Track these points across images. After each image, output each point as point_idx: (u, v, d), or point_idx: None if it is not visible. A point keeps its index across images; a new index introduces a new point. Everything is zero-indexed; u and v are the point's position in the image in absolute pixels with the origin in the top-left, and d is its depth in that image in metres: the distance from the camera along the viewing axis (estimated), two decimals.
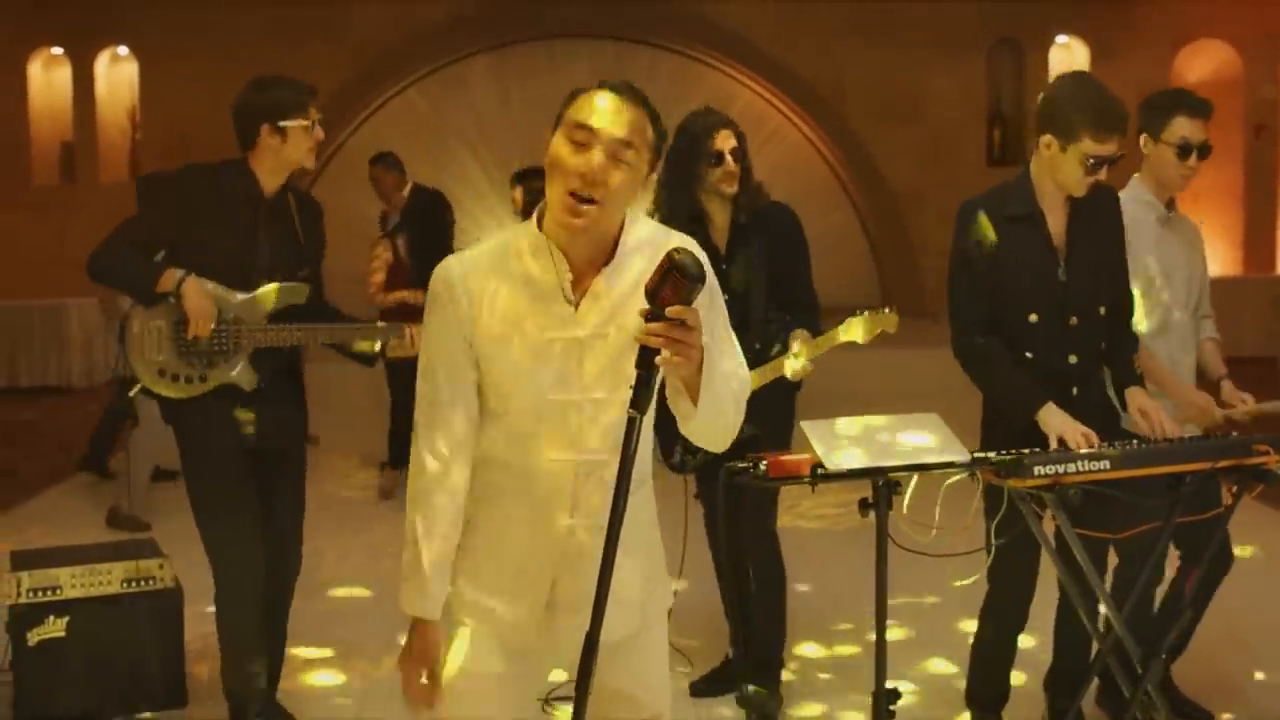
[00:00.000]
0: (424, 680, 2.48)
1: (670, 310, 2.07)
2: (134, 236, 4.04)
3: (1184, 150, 3.97)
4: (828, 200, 13.48)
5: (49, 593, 4.28)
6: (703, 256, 2.25)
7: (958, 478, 3.26)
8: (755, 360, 4.01)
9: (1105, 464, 3.29)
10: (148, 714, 4.35)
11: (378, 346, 4.06)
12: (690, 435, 2.41)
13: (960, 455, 3.24)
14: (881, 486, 3.14)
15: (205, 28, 13.19)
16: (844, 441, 3.17)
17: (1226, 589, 4.15)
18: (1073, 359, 3.69)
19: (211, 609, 4.09)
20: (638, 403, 2.08)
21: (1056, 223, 3.70)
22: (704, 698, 4.50)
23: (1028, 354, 3.68)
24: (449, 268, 2.41)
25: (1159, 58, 13.58)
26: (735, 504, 3.87)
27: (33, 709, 4.24)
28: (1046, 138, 3.60)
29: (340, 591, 5.77)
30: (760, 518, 4.30)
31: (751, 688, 4.31)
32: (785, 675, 4.49)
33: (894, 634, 4.77)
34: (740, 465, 3.15)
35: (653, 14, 13.50)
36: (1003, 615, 3.91)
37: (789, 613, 4.44)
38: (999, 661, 3.98)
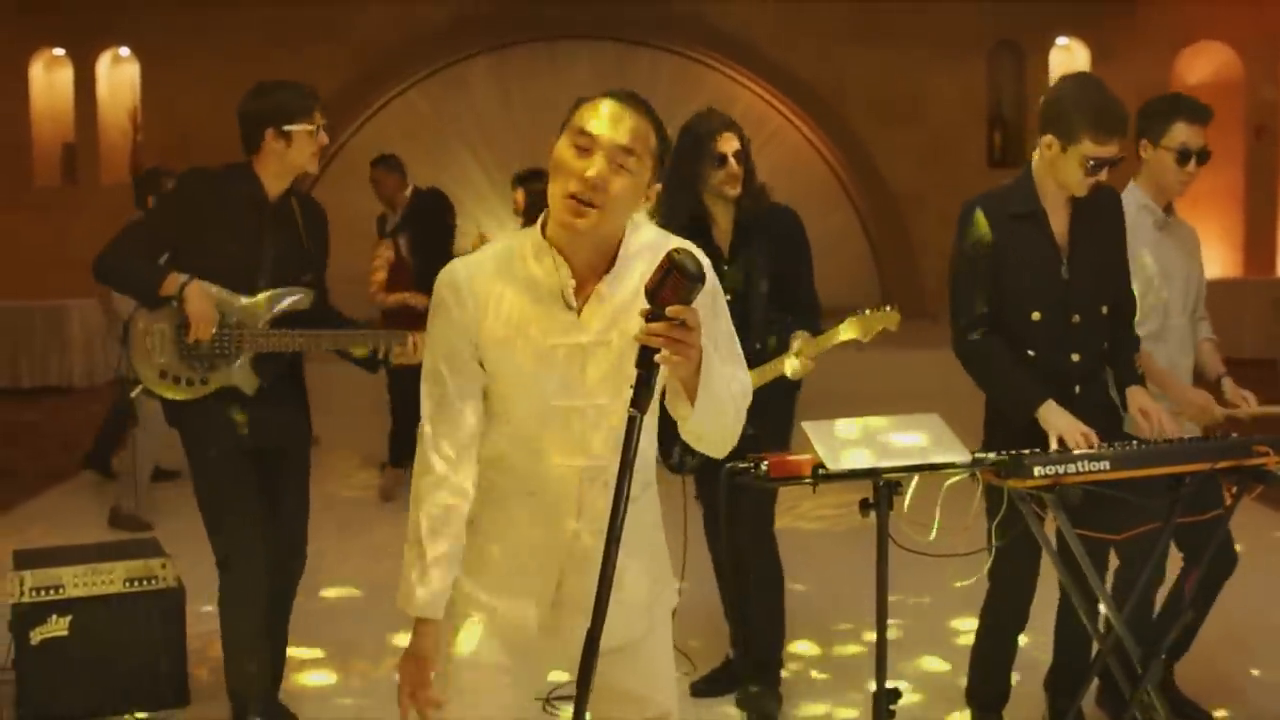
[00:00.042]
0: (424, 682, 2.47)
1: (670, 310, 2.09)
2: (139, 239, 4.07)
3: (1183, 156, 3.98)
4: (828, 201, 13.49)
5: (52, 592, 4.29)
6: (704, 259, 2.26)
7: (958, 478, 3.27)
8: (755, 361, 4.02)
9: (1105, 464, 3.30)
10: (150, 713, 4.35)
11: (381, 353, 4.06)
12: (689, 438, 2.42)
13: (960, 456, 3.25)
14: (882, 487, 3.15)
15: (207, 29, 13.21)
16: (845, 442, 3.18)
17: (1226, 590, 4.16)
18: (1075, 357, 3.70)
19: (213, 608, 4.10)
20: (638, 402, 2.09)
21: (1059, 222, 3.71)
22: (705, 698, 4.51)
23: (1030, 352, 3.69)
24: (454, 271, 2.42)
25: (1159, 60, 13.60)
26: (734, 504, 3.88)
27: (35, 708, 4.25)
28: (1047, 138, 3.61)
29: (341, 592, 5.78)
30: (759, 519, 4.31)
31: (752, 688, 4.32)
32: (785, 675, 4.49)
33: (891, 633, 4.77)
34: (741, 465, 3.16)
35: (654, 15, 13.52)
36: (1003, 615, 3.92)
37: (788, 613, 4.45)
38: (999, 661, 3.99)
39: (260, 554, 4.01)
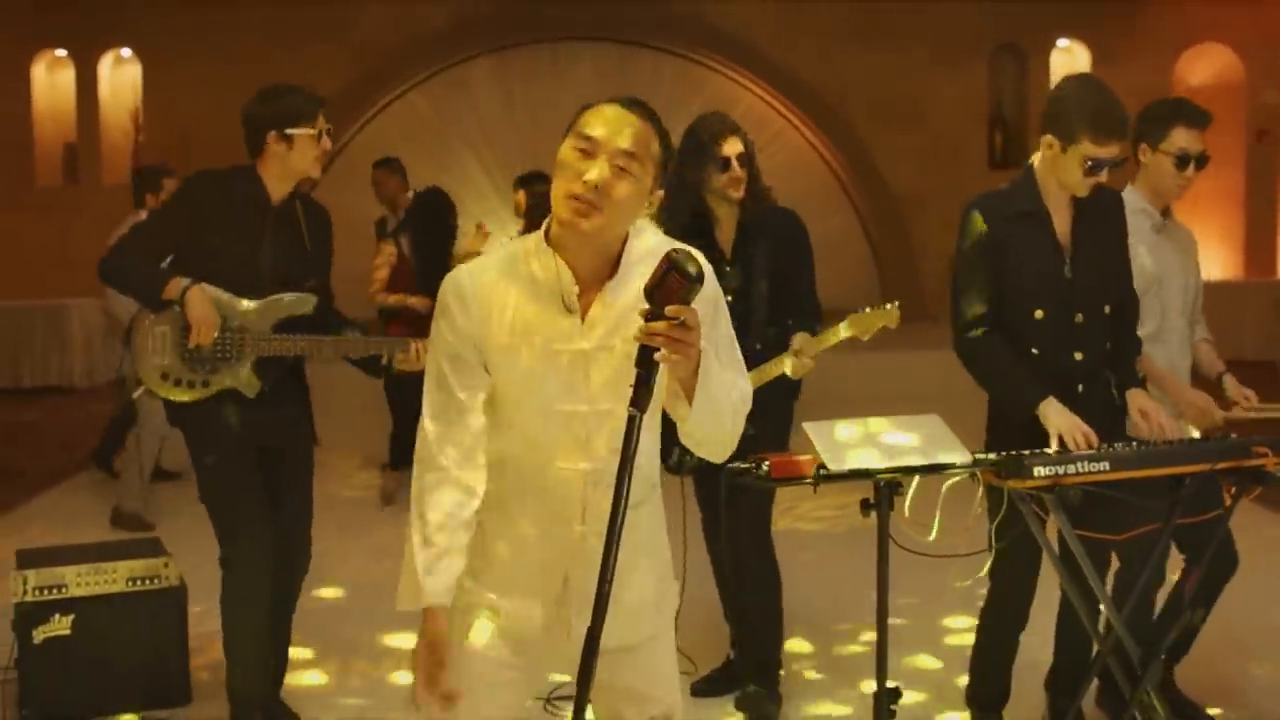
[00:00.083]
0: (440, 664, 2.41)
1: (669, 309, 2.10)
2: (143, 242, 4.10)
3: (1182, 161, 4.00)
4: (829, 203, 13.50)
5: (54, 591, 4.30)
6: (704, 262, 2.28)
7: (958, 479, 3.28)
8: (755, 361, 4.04)
9: (1105, 465, 3.31)
10: (152, 712, 4.36)
11: (385, 359, 4.06)
12: (688, 441, 2.43)
13: (961, 456, 3.27)
14: (883, 487, 3.16)
15: (208, 30, 13.22)
16: (846, 442, 3.20)
17: (1226, 591, 4.17)
18: (1078, 356, 3.72)
19: (215, 607, 4.11)
20: (637, 401, 2.10)
21: (1062, 221, 3.73)
22: (705, 698, 4.52)
23: (1034, 350, 3.70)
24: (458, 277, 2.43)
25: (1161, 62, 13.61)
26: (733, 505, 3.89)
27: (38, 706, 4.26)
28: (1048, 137, 3.64)
29: (343, 592, 5.79)
30: (756, 521, 4.32)
31: (751, 689, 4.34)
32: (784, 675, 4.50)
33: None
34: (743, 466, 3.17)
35: (655, 17, 13.53)
36: (1004, 615, 3.93)
37: (788, 613, 4.47)
38: (1000, 662, 4.00)
39: (263, 554, 4.03)
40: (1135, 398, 3.71)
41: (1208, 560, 3.76)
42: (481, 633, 2.53)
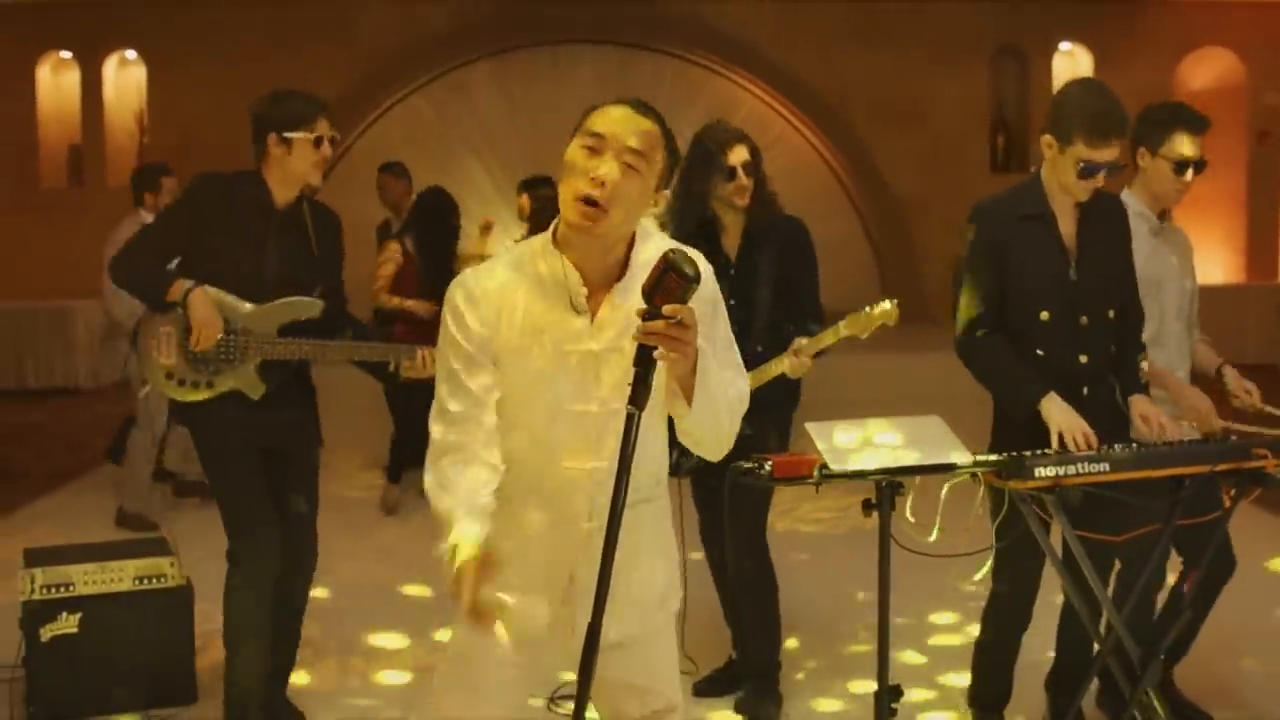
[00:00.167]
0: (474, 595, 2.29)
1: (666, 308, 2.13)
2: (149, 243, 4.13)
3: (1181, 166, 4.02)
4: (831, 206, 13.51)
5: (62, 589, 4.33)
6: (704, 263, 2.32)
7: (959, 479, 3.31)
8: (756, 363, 4.07)
9: (1105, 466, 3.33)
10: (157, 710, 4.39)
11: (392, 365, 4.06)
12: (685, 439, 2.47)
13: (962, 457, 3.29)
14: (885, 488, 3.19)
15: (213, 33, 13.25)
16: (847, 443, 3.22)
17: (1224, 592, 4.19)
18: (1083, 359, 3.74)
19: (220, 606, 4.14)
20: (636, 399, 2.14)
21: (1067, 224, 3.76)
22: (706, 698, 4.55)
23: (1039, 352, 3.72)
24: (467, 280, 2.46)
25: (1162, 65, 13.62)
26: (734, 507, 3.88)
27: (45, 704, 4.29)
28: (1047, 138, 3.68)
29: (346, 592, 5.80)
30: (752, 527, 4.33)
31: (751, 693, 4.36)
32: (784, 676, 4.51)
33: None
34: (746, 465, 3.20)
35: (656, 19, 13.54)
36: (1005, 616, 3.95)
37: (788, 614, 4.49)
38: (1001, 662, 4.02)
39: (269, 551, 4.06)
40: (1138, 403, 3.73)
41: (1206, 562, 3.78)
42: (475, 638, 2.55)
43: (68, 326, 12.05)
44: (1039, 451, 3.43)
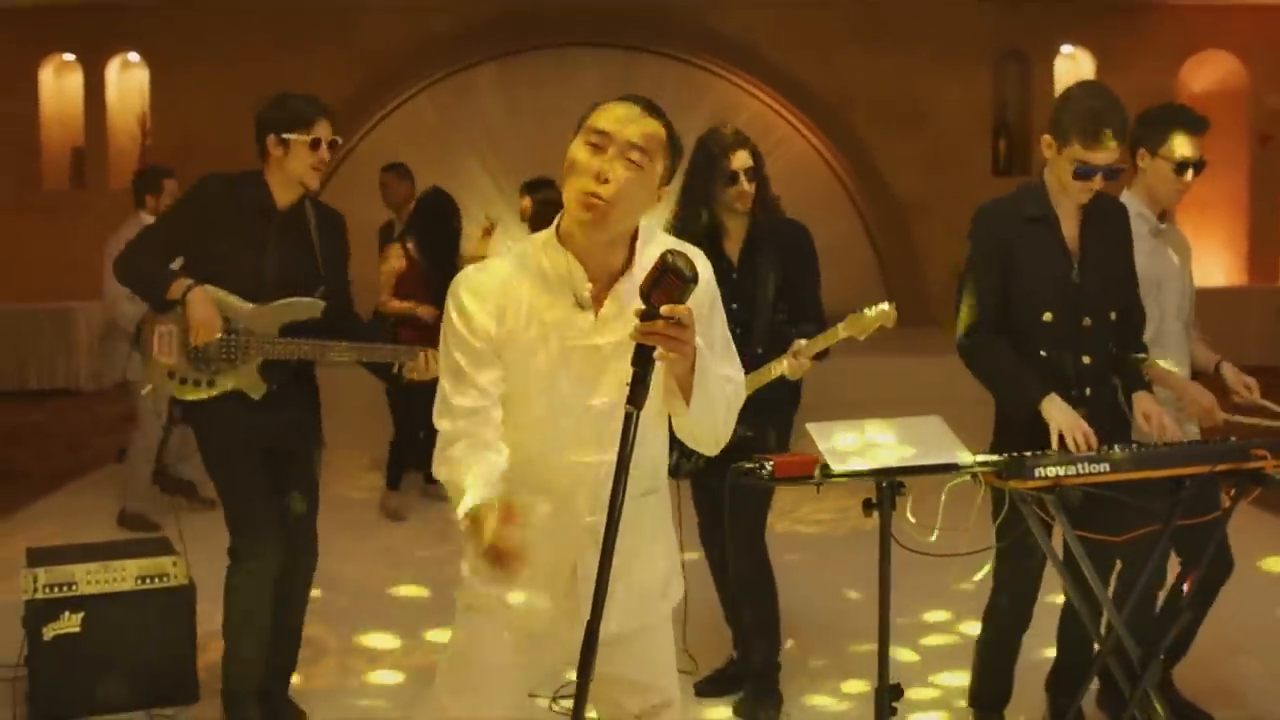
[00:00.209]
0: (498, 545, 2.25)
1: (664, 309, 2.14)
2: (153, 242, 4.17)
3: (1181, 166, 4.04)
4: (833, 209, 13.51)
5: (64, 589, 4.33)
6: (704, 262, 2.33)
7: (960, 480, 3.32)
8: (755, 365, 4.08)
9: (1105, 467, 3.35)
10: (160, 709, 4.40)
11: (396, 367, 4.06)
12: (682, 435, 2.49)
13: (962, 457, 3.30)
14: (885, 488, 3.20)
15: (216, 35, 13.27)
16: (848, 444, 3.23)
17: (1223, 593, 4.20)
18: (1086, 359, 3.75)
19: (219, 606, 4.16)
20: (634, 399, 2.15)
21: (1070, 226, 3.77)
22: (708, 698, 4.55)
23: (1042, 353, 3.74)
24: (471, 274, 2.47)
25: (1164, 68, 13.63)
26: (734, 508, 3.90)
27: (47, 703, 4.30)
28: (1047, 138, 3.70)
29: (348, 592, 5.81)
30: (751, 530, 4.34)
31: (751, 695, 4.37)
32: (785, 676, 4.52)
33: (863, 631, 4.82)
34: (747, 466, 3.21)
35: (660, 23, 13.56)
36: (1006, 616, 3.96)
37: (789, 614, 4.50)
38: (1002, 662, 4.03)
39: (270, 551, 4.08)
40: (1141, 400, 3.75)
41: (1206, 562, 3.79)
42: (474, 640, 2.59)
43: (69, 328, 12.07)
44: (1039, 452, 3.45)
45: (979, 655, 4.08)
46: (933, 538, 3.30)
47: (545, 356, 2.42)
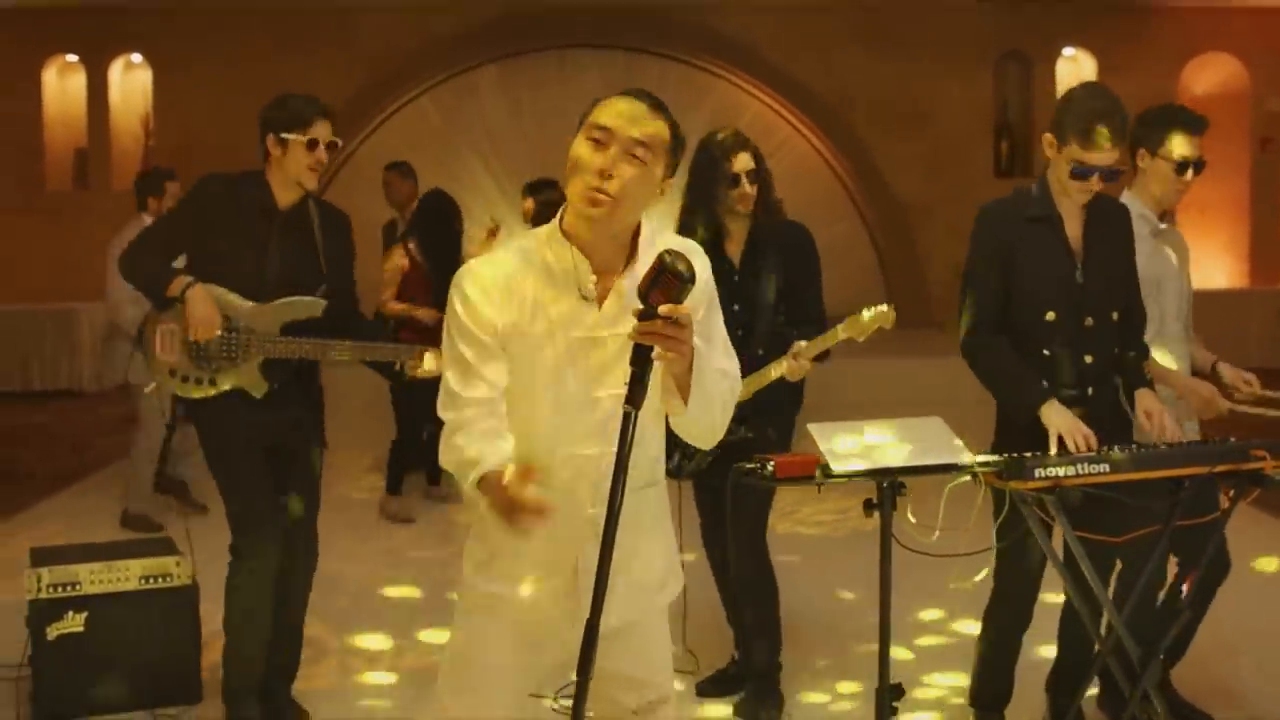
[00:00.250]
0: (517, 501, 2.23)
1: (662, 309, 2.16)
2: (156, 240, 4.19)
3: (1181, 166, 4.05)
4: (835, 210, 13.54)
5: (68, 588, 4.34)
6: (702, 259, 2.34)
7: (960, 480, 3.33)
8: (756, 366, 4.09)
9: (1104, 467, 3.36)
10: (163, 709, 4.41)
11: (398, 364, 4.07)
12: (678, 430, 2.50)
13: (962, 458, 3.32)
14: (886, 488, 3.21)
15: (219, 36, 13.30)
16: (849, 444, 3.25)
17: (1221, 594, 4.21)
18: (1088, 359, 3.77)
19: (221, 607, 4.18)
20: (633, 398, 2.16)
21: (1074, 226, 3.79)
22: (709, 698, 4.56)
23: (1044, 352, 3.75)
24: (476, 267, 2.47)
25: (1166, 70, 13.65)
26: (735, 508, 3.92)
27: (51, 702, 4.31)
28: (1048, 136, 3.72)
29: (350, 593, 5.82)
30: (752, 531, 4.35)
31: (752, 696, 4.38)
32: (786, 676, 4.53)
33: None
34: (748, 466, 3.22)
35: (661, 24, 13.58)
36: (1006, 616, 3.97)
37: (790, 615, 4.51)
38: (1002, 661, 4.04)
39: (271, 550, 4.10)
40: (1143, 397, 3.76)
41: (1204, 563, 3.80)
42: (474, 640, 2.60)
43: (72, 329, 12.09)
44: (1039, 453, 3.46)
45: (979, 655, 4.09)
46: (934, 538, 3.31)
47: (549, 348, 2.43)
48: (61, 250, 12.89)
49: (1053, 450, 3.53)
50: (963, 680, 4.17)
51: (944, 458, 3.30)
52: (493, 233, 7.67)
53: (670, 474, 4.25)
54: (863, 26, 13.78)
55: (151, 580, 4.45)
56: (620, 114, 2.38)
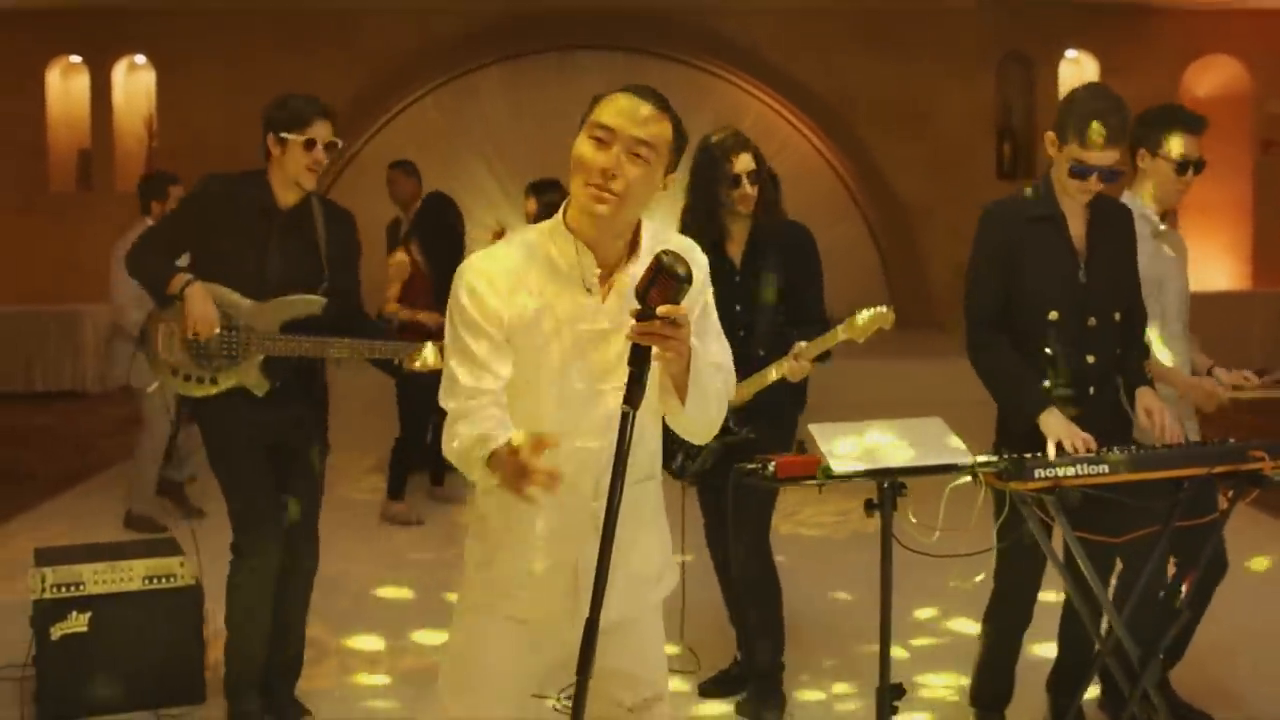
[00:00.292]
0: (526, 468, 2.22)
1: (660, 310, 2.17)
2: (159, 239, 4.23)
3: (1181, 166, 4.07)
4: (837, 211, 13.54)
5: (72, 589, 4.36)
6: (700, 258, 2.35)
7: (960, 480, 3.34)
8: (757, 367, 4.10)
9: (1104, 468, 3.37)
10: (167, 709, 4.42)
11: (397, 360, 4.07)
12: (674, 426, 2.52)
13: (962, 458, 3.33)
14: (887, 488, 3.22)
15: (222, 38, 13.32)
16: (850, 444, 3.26)
17: (1219, 595, 4.21)
18: (1090, 359, 3.78)
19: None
20: (631, 398, 2.17)
21: (1077, 226, 3.80)
22: (711, 698, 4.57)
23: (1047, 351, 3.76)
24: (479, 261, 2.49)
25: (1168, 73, 13.65)
26: (738, 509, 3.94)
27: (55, 702, 4.32)
28: (1050, 135, 3.73)
29: (351, 593, 5.83)
30: (755, 532, 4.36)
31: (754, 697, 4.39)
32: (787, 677, 4.54)
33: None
34: (750, 466, 3.24)
35: (663, 26, 13.59)
36: (1007, 616, 3.98)
37: (792, 616, 4.52)
38: (1003, 661, 4.05)
39: (273, 548, 4.12)
40: (1143, 396, 3.77)
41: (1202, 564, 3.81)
42: (475, 641, 2.61)
43: (75, 330, 12.10)
44: (1039, 453, 3.47)
45: (979, 655, 4.10)
46: (934, 539, 3.32)
47: (553, 342, 2.44)
48: (65, 251, 12.91)
49: (1051, 455, 3.54)
50: (961, 680, 4.17)
51: (944, 458, 3.31)
52: (498, 235, 7.68)
53: (673, 475, 4.28)
54: (864, 28, 13.79)
55: (155, 581, 4.47)
56: (622, 112, 2.39)
